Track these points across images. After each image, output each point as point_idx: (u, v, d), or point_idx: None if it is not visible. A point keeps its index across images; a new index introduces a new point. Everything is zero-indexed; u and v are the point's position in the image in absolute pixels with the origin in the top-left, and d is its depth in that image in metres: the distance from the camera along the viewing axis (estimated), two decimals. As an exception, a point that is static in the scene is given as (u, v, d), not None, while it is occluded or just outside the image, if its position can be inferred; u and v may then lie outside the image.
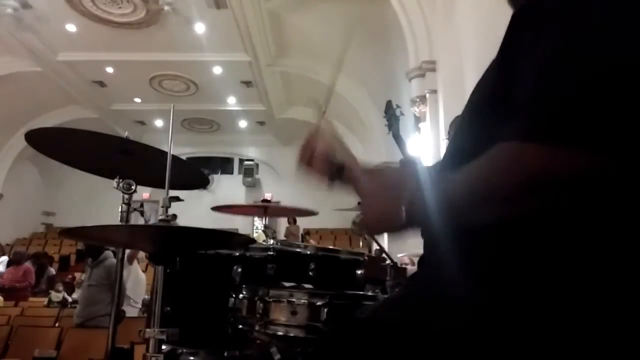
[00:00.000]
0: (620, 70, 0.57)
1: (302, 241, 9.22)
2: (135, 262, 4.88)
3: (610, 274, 0.62)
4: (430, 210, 0.68)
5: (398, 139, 1.91)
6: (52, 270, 8.88)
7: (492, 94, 0.75)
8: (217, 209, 2.38)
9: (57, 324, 4.59)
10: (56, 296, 7.26)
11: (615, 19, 0.60)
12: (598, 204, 0.61)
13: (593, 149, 0.56)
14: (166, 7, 8.34)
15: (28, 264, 7.59)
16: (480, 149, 0.65)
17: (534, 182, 0.59)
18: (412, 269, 1.81)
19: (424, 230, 0.83)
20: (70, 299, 7.23)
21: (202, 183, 2.24)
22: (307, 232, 10.98)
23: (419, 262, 0.93)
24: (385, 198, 0.78)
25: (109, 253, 4.09)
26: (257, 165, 15.45)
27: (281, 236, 10.35)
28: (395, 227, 0.75)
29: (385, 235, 0.89)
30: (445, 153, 0.90)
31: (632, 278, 0.61)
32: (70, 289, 7.76)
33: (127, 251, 4.75)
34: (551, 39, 0.63)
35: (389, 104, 1.88)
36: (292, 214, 8.69)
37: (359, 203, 0.89)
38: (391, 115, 1.85)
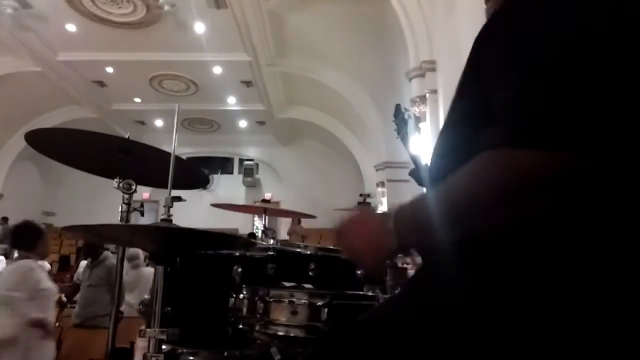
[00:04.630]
0: (595, 75, 0.58)
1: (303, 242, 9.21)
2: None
3: (603, 274, 0.62)
4: (420, 222, 0.69)
5: (406, 142, 1.93)
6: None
7: (469, 107, 0.76)
8: (217, 206, 2.38)
9: (57, 324, 4.58)
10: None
11: (586, 23, 0.61)
12: (585, 204, 0.62)
13: (571, 152, 0.57)
14: (166, 7, 8.33)
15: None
16: (459, 160, 0.66)
17: (514, 185, 0.60)
18: (412, 270, 1.81)
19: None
20: (65, 299, 7.16)
21: (202, 183, 2.24)
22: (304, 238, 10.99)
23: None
24: (370, 223, 0.79)
25: (108, 253, 4.09)
26: (257, 165, 15.45)
27: (282, 235, 10.35)
28: (386, 251, 0.75)
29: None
30: (430, 167, 0.92)
31: (624, 277, 0.61)
32: (71, 289, 7.71)
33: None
34: (525, 46, 0.64)
35: (398, 108, 1.89)
36: (291, 215, 8.70)
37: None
38: (400, 120, 1.87)
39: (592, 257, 0.62)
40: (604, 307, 0.61)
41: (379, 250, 0.76)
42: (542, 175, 0.59)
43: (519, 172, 0.59)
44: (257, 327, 1.44)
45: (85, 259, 4.75)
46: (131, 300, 4.52)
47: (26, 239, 2.97)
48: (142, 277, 4.65)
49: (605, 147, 0.58)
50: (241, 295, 1.56)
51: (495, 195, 0.62)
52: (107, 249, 4.18)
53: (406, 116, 1.93)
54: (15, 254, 3.20)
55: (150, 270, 4.76)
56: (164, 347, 1.33)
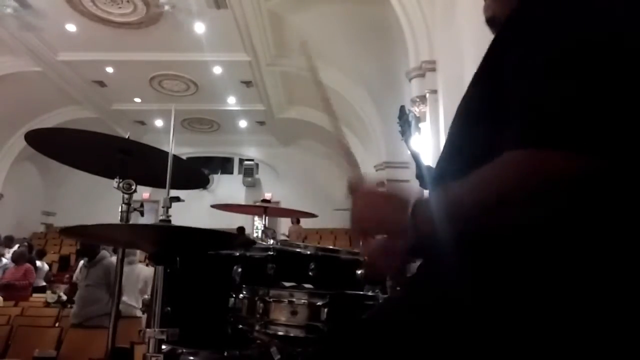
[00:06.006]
0: (616, 74, 0.58)
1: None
2: None
3: (614, 276, 0.61)
4: (436, 218, 0.67)
5: (410, 143, 1.94)
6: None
7: (482, 101, 0.75)
8: (217, 206, 2.39)
9: (57, 324, 4.58)
10: (51, 297, 7.19)
11: (603, 24, 0.61)
12: (605, 206, 0.61)
13: (598, 153, 0.57)
14: (166, 7, 8.34)
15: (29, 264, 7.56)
16: (476, 153, 0.66)
17: (547, 187, 0.59)
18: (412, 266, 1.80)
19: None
20: (65, 298, 7.15)
21: (202, 183, 2.24)
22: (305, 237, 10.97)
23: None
24: (391, 201, 0.74)
25: (105, 253, 4.08)
26: (257, 165, 15.45)
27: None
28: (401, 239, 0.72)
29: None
30: (438, 163, 0.90)
31: (635, 280, 0.61)
32: (71, 289, 7.69)
33: None
34: (544, 45, 0.63)
35: (402, 110, 1.91)
36: (291, 214, 8.70)
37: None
38: (405, 121, 1.88)
39: (605, 260, 0.62)
40: (617, 312, 0.60)
41: (394, 236, 0.73)
42: (572, 177, 0.58)
43: (550, 173, 0.59)
44: (256, 327, 1.43)
45: (82, 259, 4.75)
46: (126, 298, 4.52)
47: None
48: (132, 273, 4.64)
49: (630, 149, 0.57)
50: (241, 295, 1.56)
51: (521, 196, 0.61)
52: (104, 249, 4.17)
53: (410, 117, 1.95)
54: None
55: (143, 267, 4.74)
56: (163, 347, 1.33)
